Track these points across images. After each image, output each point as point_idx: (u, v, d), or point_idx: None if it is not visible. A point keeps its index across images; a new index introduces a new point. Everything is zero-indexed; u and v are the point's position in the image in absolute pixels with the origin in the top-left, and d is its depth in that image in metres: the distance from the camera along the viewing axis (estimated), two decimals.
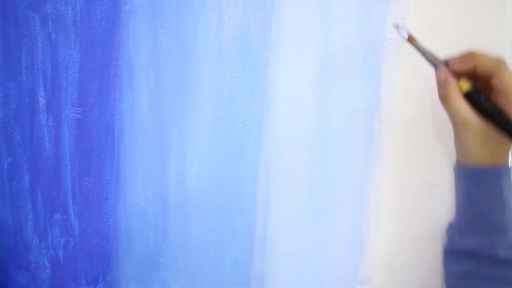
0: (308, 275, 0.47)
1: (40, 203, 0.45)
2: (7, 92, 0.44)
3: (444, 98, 0.37)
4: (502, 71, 0.35)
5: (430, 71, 0.39)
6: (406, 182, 0.46)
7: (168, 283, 0.46)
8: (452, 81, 0.37)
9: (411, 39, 0.40)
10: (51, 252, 0.45)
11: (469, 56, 0.37)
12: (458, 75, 0.37)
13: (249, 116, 0.45)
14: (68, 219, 0.45)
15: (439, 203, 0.46)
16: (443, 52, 0.39)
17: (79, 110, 0.44)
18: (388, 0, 0.44)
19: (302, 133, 0.45)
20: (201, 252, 0.46)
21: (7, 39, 0.43)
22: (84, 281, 0.46)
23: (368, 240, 0.47)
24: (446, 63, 0.38)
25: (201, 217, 0.46)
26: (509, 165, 0.36)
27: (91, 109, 0.44)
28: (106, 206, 0.45)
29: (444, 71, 0.37)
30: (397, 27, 0.41)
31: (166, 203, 0.45)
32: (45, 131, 0.44)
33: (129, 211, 0.45)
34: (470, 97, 0.36)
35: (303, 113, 0.45)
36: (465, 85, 0.37)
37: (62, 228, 0.45)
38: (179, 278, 0.46)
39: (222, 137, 0.45)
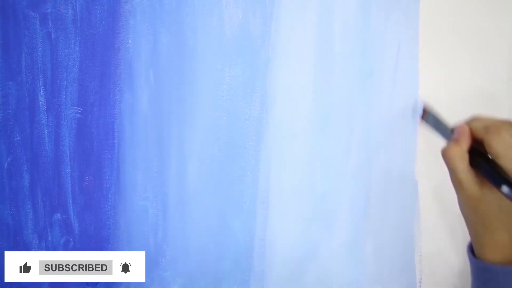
0: (308, 276, 0.47)
1: (40, 202, 0.45)
2: (7, 92, 0.44)
3: (453, 172, 0.35)
4: (490, 136, 0.33)
5: (429, 70, 0.39)
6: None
7: (168, 283, 0.46)
8: (460, 158, 0.34)
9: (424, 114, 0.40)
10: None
11: (468, 125, 0.35)
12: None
13: (249, 115, 0.45)
14: (68, 218, 0.45)
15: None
16: (442, 52, 0.39)
17: (79, 109, 0.44)
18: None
19: (302, 133, 0.45)
20: (201, 252, 0.46)
21: (6, 39, 0.43)
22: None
23: (369, 240, 0.47)
24: (452, 131, 0.37)
25: (201, 217, 0.46)
26: None
27: (91, 109, 0.44)
28: (106, 206, 0.45)
29: (453, 149, 0.35)
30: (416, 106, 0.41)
31: (166, 203, 0.45)
32: (45, 131, 0.44)
33: (129, 211, 0.45)
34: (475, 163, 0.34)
35: (303, 113, 0.45)
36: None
37: (62, 228, 0.45)
38: (179, 278, 0.46)
39: (222, 136, 0.45)
